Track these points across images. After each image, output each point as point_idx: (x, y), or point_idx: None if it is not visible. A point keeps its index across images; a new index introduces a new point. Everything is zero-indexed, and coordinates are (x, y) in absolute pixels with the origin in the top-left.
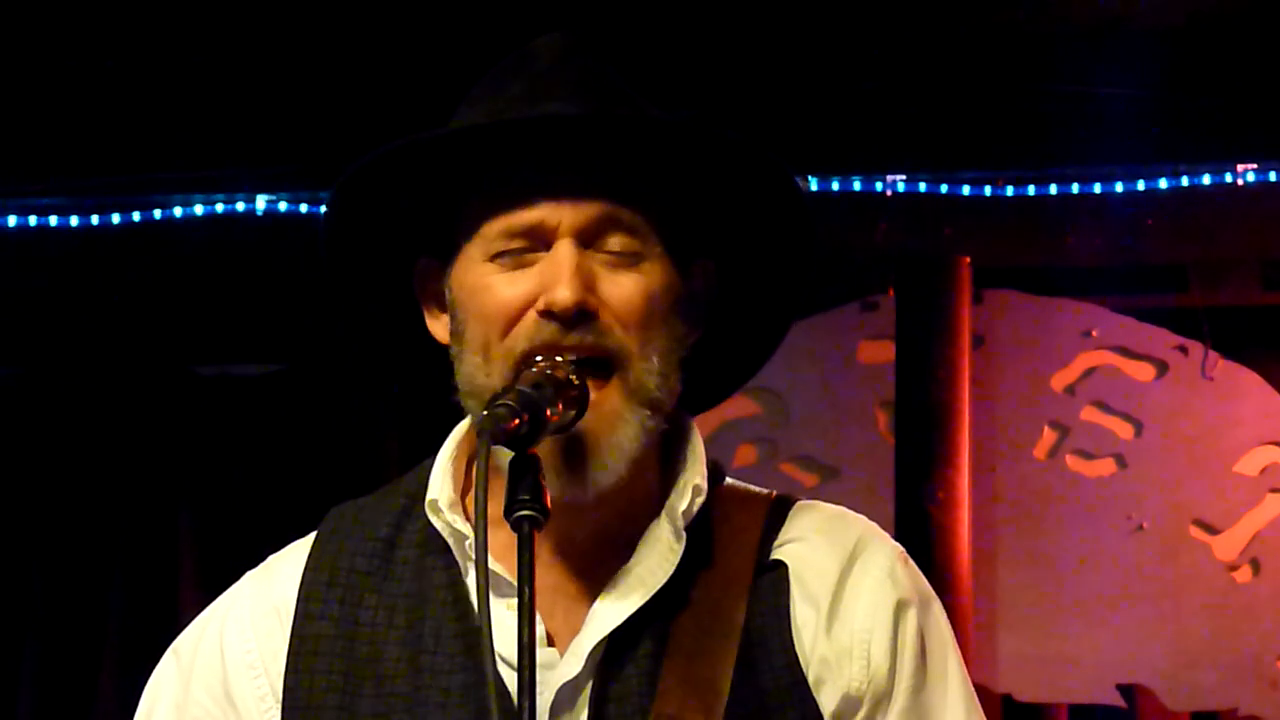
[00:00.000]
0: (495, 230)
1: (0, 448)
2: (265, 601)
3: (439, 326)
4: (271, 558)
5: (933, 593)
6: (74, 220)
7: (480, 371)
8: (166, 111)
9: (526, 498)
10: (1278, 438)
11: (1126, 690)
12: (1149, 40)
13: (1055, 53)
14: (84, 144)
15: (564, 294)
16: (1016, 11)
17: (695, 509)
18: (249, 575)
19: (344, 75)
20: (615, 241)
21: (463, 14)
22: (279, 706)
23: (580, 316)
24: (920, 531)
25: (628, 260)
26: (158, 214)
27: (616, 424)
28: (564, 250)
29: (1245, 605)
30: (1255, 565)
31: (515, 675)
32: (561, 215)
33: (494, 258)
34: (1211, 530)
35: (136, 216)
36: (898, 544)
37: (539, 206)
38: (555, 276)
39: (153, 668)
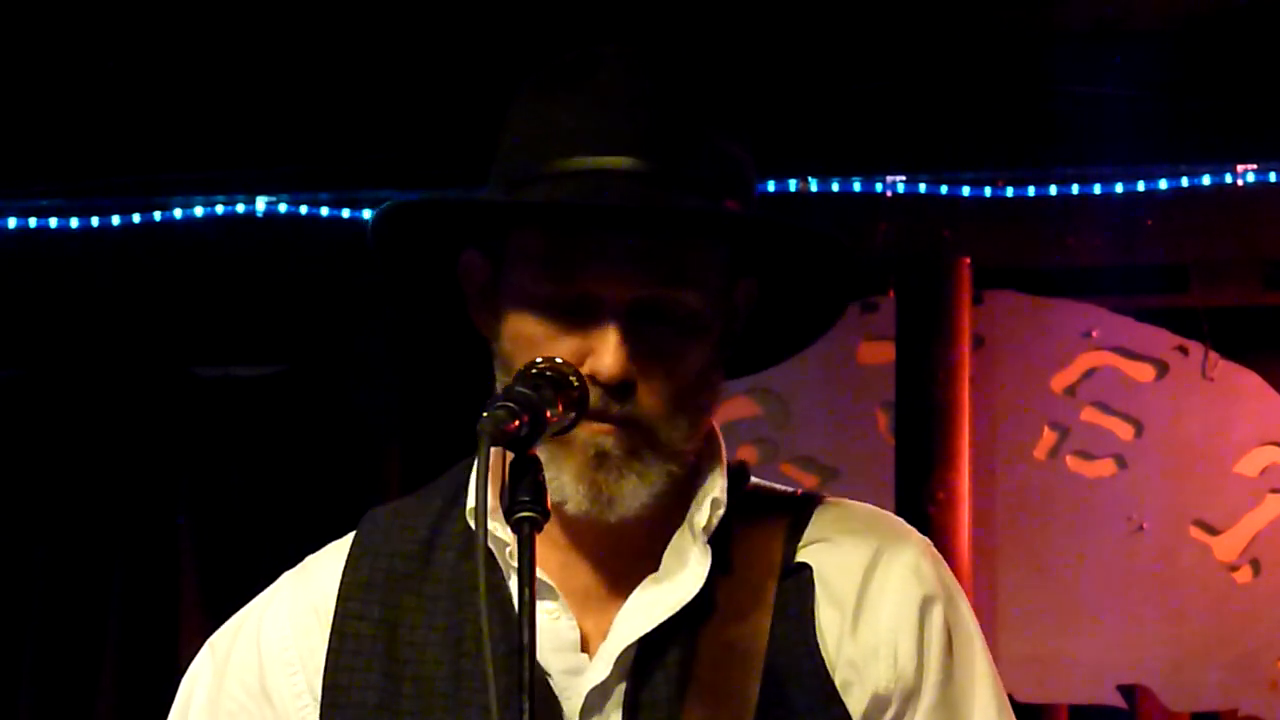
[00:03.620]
0: (545, 286)
1: (0, 448)
2: (303, 600)
3: (484, 326)
4: (309, 558)
5: (958, 586)
6: (74, 220)
7: None
8: (167, 112)
9: (526, 498)
10: (1278, 438)
11: (1127, 690)
12: (1149, 41)
13: (1055, 53)
14: (84, 144)
15: (611, 367)
16: (1017, 12)
17: (715, 522)
18: (286, 575)
19: (345, 77)
20: (667, 316)
21: (462, 16)
22: (316, 705)
23: (623, 389)
24: (920, 532)
25: (676, 335)
26: (158, 214)
27: (641, 472)
28: (614, 326)
29: (1245, 605)
30: (1255, 565)
31: (552, 678)
32: (616, 291)
33: (542, 304)
34: (1211, 530)
35: (136, 217)
36: (924, 537)
37: (593, 276)
38: (604, 346)
39: (153, 669)
